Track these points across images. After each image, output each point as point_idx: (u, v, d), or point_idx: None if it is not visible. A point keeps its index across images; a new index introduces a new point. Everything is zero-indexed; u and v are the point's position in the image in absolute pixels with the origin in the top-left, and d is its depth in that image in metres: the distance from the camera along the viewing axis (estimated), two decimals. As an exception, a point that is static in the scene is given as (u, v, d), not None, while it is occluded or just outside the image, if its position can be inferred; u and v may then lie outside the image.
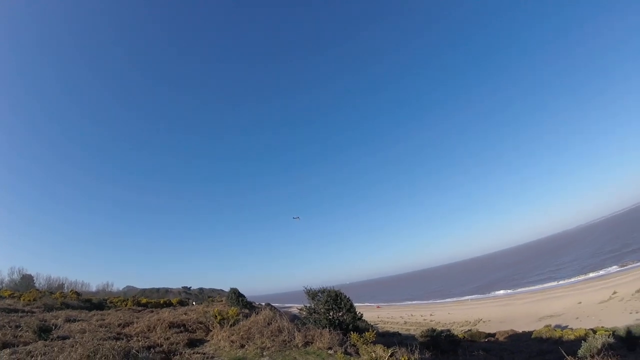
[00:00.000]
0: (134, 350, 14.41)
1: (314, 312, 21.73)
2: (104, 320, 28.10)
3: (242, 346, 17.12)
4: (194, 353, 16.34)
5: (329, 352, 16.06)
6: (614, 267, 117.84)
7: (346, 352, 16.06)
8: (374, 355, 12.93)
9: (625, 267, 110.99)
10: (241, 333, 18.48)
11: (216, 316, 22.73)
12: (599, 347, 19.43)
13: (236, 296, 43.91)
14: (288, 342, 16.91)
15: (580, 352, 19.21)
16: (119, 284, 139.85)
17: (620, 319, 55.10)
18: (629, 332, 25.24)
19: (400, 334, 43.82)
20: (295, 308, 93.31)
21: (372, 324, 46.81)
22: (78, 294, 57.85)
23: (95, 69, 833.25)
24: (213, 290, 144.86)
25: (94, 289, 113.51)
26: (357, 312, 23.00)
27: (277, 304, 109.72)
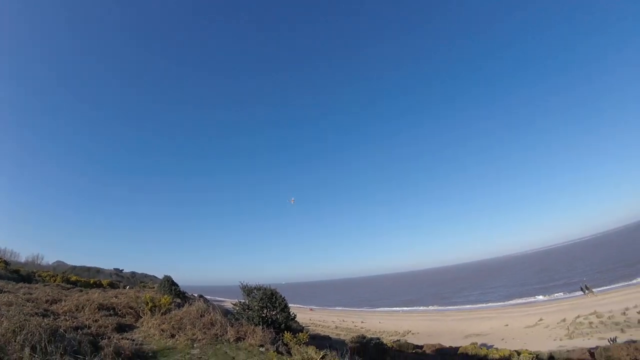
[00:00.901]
0: (61, 330, 13.89)
1: (248, 309, 21.53)
2: (31, 294, 26.98)
3: (173, 336, 16.80)
4: (122, 338, 15.83)
5: (261, 349, 15.97)
6: (540, 296, 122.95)
7: (278, 351, 16.00)
8: (306, 356, 12.97)
9: (552, 298, 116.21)
10: (172, 322, 18.10)
11: (148, 302, 22.22)
12: None
13: (169, 284, 42.98)
14: (220, 335, 16.69)
15: None
16: (49, 258, 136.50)
17: (544, 344, 57.42)
18: (551, 357, 26.23)
19: (330, 338, 44.08)
20: (228, 303, 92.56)
21: (304, 325, 46.89)
22: (6, 263, 55.76)
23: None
24: (145, 275, 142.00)
25: (23, 259, 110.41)
26: (291, 313, 23.02)
27: (210, 297, 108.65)
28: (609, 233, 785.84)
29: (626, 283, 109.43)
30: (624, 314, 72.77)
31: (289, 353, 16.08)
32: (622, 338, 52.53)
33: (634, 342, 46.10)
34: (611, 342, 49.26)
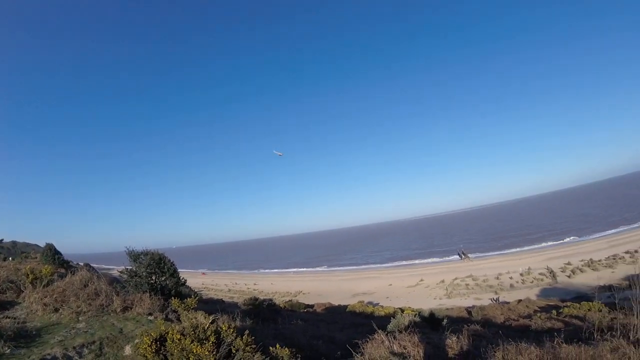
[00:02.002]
0: None
1: (136, 276, 20.45)
2: None
3: (57, 310, 15.54)
4: (3, 317, 14.38)
5: (149, 317, 15.23)
6: (420, 260, 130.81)
7: (167, 318, 15.34)
8: (194, 322, 12.48)
9: (431, 261, 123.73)
10: (55, 295, 16.72)
11: (28, 274, 20.51)
12: (406, 324, 20.62)
13: (52, 253, 39.96)
14: (106, 306, 15.65)
15: (390, 327, 20.22)
16: None
17: (425, 303, 60.98)
18: (432, 314, 27.25)
19: (224, 302, 43.64)
20: (116, 270, 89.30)
21: (196, 290, 46.07)
22: None
23: None
24: (28, 245, 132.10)
25: None
26: (181, 278, 22.20)
27: (97, 265, 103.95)
28: (490, 206, 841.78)
29: (499, 252, 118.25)
30: (497, 278, 78.81)
31: (179, 320, 15.51)
32: (496, 299, 56.85)
33: (507, 302, 49.92)
34: (494, 301, 53.09)
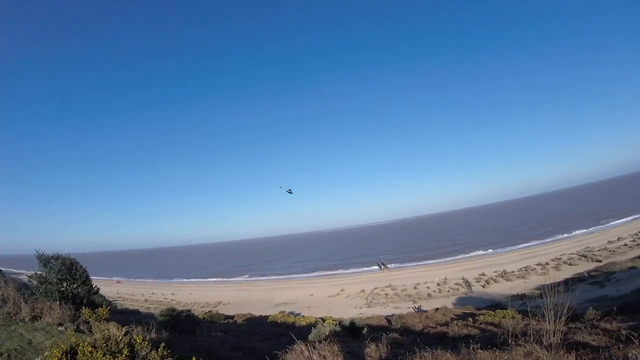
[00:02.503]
0: None
1: (46, 282, 19.20)
2: None
3: (-40, 320, 14.38)
4: None
5: (60, 328, 14.29)
6: (342, 270, 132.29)
7: (78, 329, 14.46)
8: (107, 334, 11.80)
9: (352, 272, 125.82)
10: (-42, 303, 15.48)
11: None
12: (327, 333, 20.60)
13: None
14: (14, 315, 14.62)
15: (310, 336, 20.13)
16: None
17: (346, 312, 61.61)
18: (352, 323, 27.41)
19: (139, 312, 42.03)
20: (25, 275, 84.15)
21: (110, 299, 44.13)
22: None
23: None
24: None
25: None
26: (94, 286, 21.08)
27: (6, 269, 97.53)
28: (410, 219, 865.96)
29: (417, 263, 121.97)
30: (416, 288, 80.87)
31: (90, 331, 14.68)
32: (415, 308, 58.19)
33: (425, 311, 51.10)
34: (415, 309, 54.17)
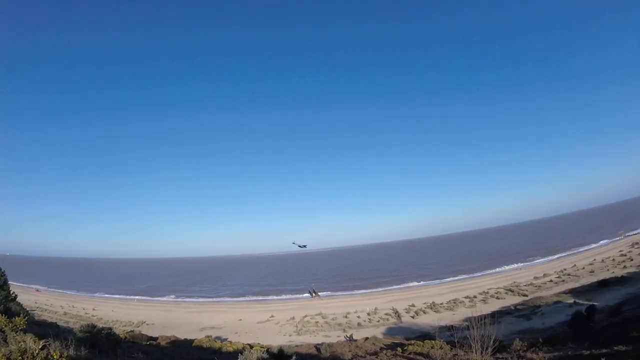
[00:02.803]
0: None
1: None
2: None
3: None
4: None
5: (-28, 337, 13.18)
6: (272, 296, 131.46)
7: (-6, 339, 13.39)
8: (23, 346, 10.92)
9: (282, 298, 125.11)
10: None
11: None
12: None
13: None
14: None
15: None
16: None
17: (275, 339, 60.76)
18: (281, 350, 26.93)
19: (58, 326, 39.79)
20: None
21: (28, 309, 41.76)
22: None
23: None
24: None
25: None
26: (11, 292, 19.81)
27: None
28: (347, 248, 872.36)
29: (349, 292, 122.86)
30: (346, 316, 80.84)
31: (6, 342, 13.57)
32: (344, 337, 57.96)
33: (355, 340, 50.94)
34: (346, 338, 53.78)
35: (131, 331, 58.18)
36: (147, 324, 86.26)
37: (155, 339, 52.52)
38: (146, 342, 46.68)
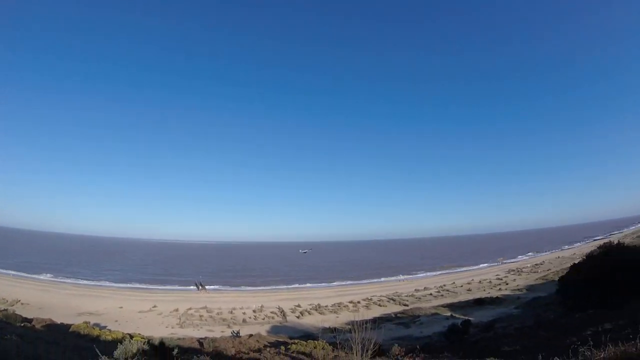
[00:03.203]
0: None
1: None
2: None
3: None
4: None
5: None
6: (157, 285, 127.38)
7: None
8: None
9: (167, 288, 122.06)
10: None
11: None
12: (134, 351, 20.02)
13: None
14: None
15: (117, 353, 19.40)
16: None
17: (157, 330, 59.78)
18: (162, 342, 26.73)
19: None
20: None
21: None
22: None
23: None
24: None
25: None
26: None
27: None
28: (243, 244, 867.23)
29: (236, 288, 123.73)
30: (232, 312, 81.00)
31: None
32: (228, 333, 58.03)
33: (239, 336, 51.17)
34: (233, 334, 53.69)
35: (4, 310, 54.75)
36: (22, 304, 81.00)
37: (30, 320, 50.15)
38: (20, 324, 44.47)
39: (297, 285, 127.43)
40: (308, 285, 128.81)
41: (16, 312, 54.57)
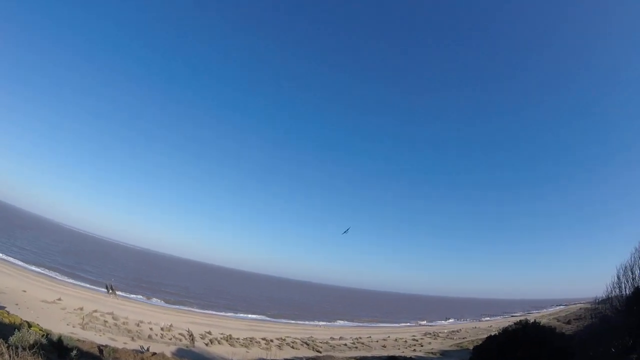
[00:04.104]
0: None
1: None
2: None
3: None
4: None
5: None
6: (67, 278, 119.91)
7: None
8: None
9: (76, 283, 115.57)
10: None
11: None
12: (32, 342, 18.46)
13: None
14: None
15: (13, 339, 17.70)
16: None
17: (57, 326, 55.79)
18: (61, 340, 25.03)
19: None
20: None
21: None
22: None
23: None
24: None
25: None
26: None
27: None
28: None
29: (148, 301, 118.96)
30: (138, 325, 77.19)
31: None
32: (131, 346, 54.87)
33: (142, 352, 48.41)
34: (141, 349, 50.85)
35: None
36: None
37: None
38: None
39: (212, 312, 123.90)
40: (223, 313, 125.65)
41: None
